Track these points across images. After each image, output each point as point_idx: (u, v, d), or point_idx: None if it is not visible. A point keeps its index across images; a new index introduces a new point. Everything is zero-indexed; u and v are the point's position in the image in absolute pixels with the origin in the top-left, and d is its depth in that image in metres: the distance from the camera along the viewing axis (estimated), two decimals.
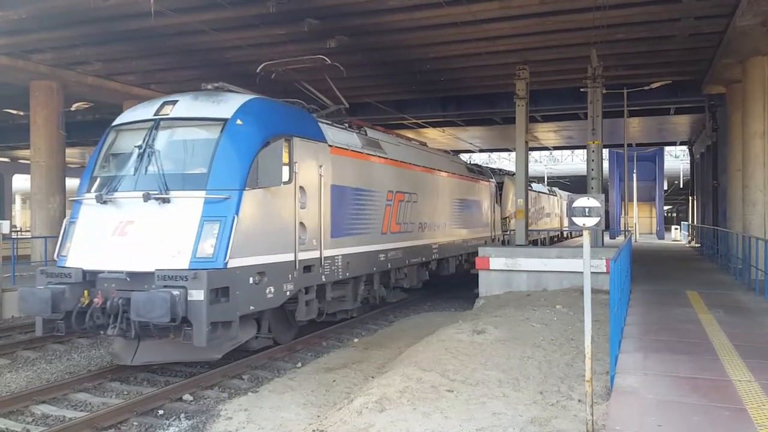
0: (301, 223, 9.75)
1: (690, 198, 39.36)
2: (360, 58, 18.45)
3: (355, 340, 11.84)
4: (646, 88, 21.92)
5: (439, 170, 16.93)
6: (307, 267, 10.00)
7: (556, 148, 44.71)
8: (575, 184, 59.45)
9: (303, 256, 9.81)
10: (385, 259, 13.15)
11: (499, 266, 14.46)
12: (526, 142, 18.13)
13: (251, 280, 8.53)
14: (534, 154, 51.85)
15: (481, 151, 43.03)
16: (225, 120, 8.86)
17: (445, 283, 18.69)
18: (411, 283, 15.07)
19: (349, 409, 6.16)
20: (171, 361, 8.93)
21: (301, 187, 9.78)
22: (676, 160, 51.87)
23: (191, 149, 8.88)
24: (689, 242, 34.29)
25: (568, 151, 55.08)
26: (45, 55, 18.56)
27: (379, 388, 6.74)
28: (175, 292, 7.50)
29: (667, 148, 46.12)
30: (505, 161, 53.51)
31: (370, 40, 16.91)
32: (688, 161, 40.90)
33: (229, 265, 8.08)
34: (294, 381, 8.89)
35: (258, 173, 8.70)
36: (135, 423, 7.20)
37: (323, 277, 10.51)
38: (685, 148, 42.65)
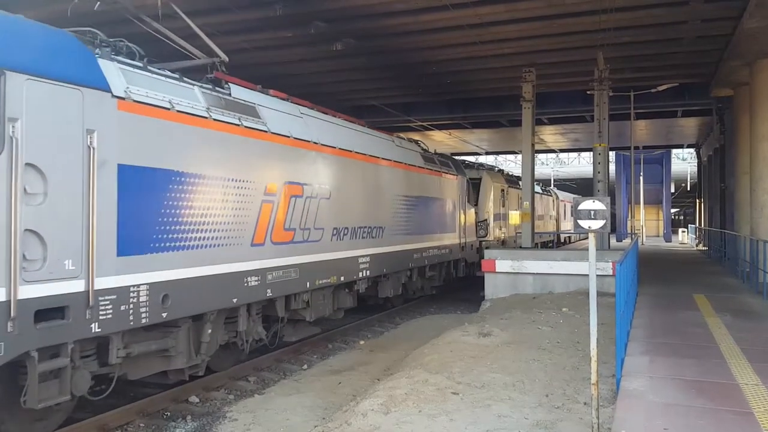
0: (31, 231, 5.62)
1: (697, 201, 39.21)
2: (366, 61, 18.50)
3: (361, 342, 11.86)
4: (653, 90, 21.89)
5: (372, 156, 12.59)
6: (52, 310, 5.78)
7: (562, 150, 44.74)
8: (582, 187, 59.34)
9: (35, 291, 5.60)
10: (261, 284, 8.74)
11: (505, 269, 14.49)
12: (533, 145, 18.13)
13: None
14: (540, 157, 51.83)
15: (488, 153, 43.05)
16: None
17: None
18: (319, 313, 10.69)
19: (354, 411, 6.18)
20: None
21: (30, 165, 5.66)
22: (684, 162, 51.74)
23: None
24: (696, 245, 34.16)
25: (575, 154, 55.07)
26: None
27: (385, 390, 6.75)
28: None
29: (674, 151, 46.01)
30: (512, 163, 53.52)
31: (377, 43, 16.94)
32: (696, 164, 40.71)
33: None
34: (300, 383, 8.93)
35: None
36: (141, 424, 7.23)
37: (95, 325, 6.19)
38: (692, 150, 42.54)
